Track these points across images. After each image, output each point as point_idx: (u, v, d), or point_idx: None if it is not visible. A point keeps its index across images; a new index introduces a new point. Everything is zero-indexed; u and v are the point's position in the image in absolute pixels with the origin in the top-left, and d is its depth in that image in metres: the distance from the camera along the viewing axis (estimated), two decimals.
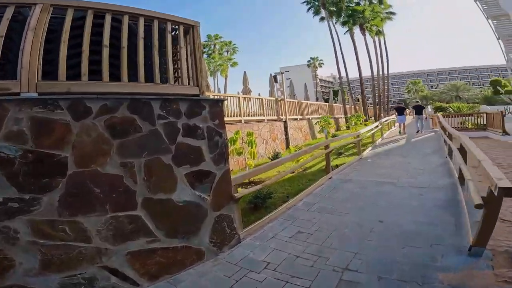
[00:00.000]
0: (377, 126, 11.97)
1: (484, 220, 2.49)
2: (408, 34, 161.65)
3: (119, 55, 2.59)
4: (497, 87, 38.29)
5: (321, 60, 59.26)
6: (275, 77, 14.33)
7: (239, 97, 10.63)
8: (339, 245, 3.06)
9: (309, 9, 26.40)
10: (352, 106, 24.37)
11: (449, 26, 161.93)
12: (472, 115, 16.87)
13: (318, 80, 75.94)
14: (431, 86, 70.65)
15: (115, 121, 2.30)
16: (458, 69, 72.82)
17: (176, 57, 3.29)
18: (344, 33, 25.20)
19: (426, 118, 14.34)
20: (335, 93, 31.92)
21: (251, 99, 11.36)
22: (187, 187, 2.80)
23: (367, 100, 31.62)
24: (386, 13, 24.41)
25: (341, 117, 19.67)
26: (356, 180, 5.71)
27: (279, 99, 12.99)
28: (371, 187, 5.08)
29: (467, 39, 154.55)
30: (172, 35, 3.19)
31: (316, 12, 26.10)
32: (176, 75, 3.27)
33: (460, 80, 62.14)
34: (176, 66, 3.35)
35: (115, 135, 2.30)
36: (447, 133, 8.00)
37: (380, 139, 12.39)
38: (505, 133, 11.58)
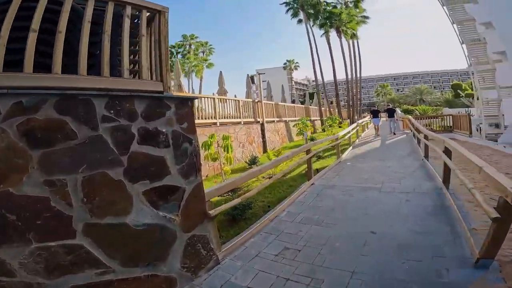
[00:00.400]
0: (354, 128, 12.00)
1: (495, 231, 2.21)
2: (379, 38, 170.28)
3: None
4: (458, 90, 41.36)
5: (296, 63, 60.28)
6: (252, 78, 13.91)
7: (214, 98, 10.05)
8: (332, 263, 2.70)
9: (288, 10, 26.53)
10: (327, 109, 24.72)
11: (420, 31, 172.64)
12: (438, 117, 17.75)
13: (293, 83, 77.08)
14: (397, 90, 74.78)
15: (35, 125, 1.68)
16: (421, 73, 77.91)
17: (135, 48, 2.71)
18: (321, 36, 25.66)
19: (397, 119, 15.41)
20: (311, 96, 32.37)
21: (227, 100, 10.81)
22: (147, 208, 2.24)
23: (341, 102, 32.45)
24: (361, 16, 25.21)
25: (317, 120, 19.77)
26: (340, 186, 5.40)
27: (256, 100, 12.57)
28: (357, 194, 4.79)
29: (435, 44, 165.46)
30: (133, 21, 2.62)
31: (295, 14, 26.28)
32: (134, 68, 2.68)
33: (423, 84, 66.48)
34: (135, 58, 2.76)
35: (35, 144, 1.68)
36: (422, 135, 8.08)
37: (357, 140, 12.46)
38: (471, 134, 12.22)
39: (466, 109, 35.04)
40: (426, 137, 7.28)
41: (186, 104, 2.54)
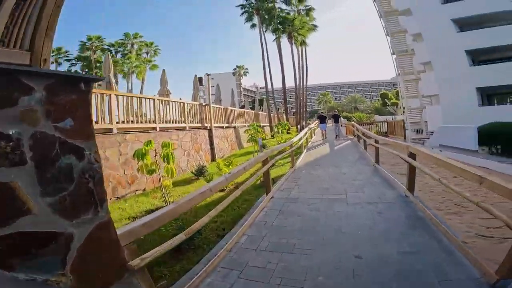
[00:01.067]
0: (305, 134, 11.82)
1: None
2: (322, 48, 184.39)
3: None
4: (385, 99, 46.69)
5: (246, 69, 60.47)
6: (200, 79, 12.72)
7: (154, 99, 8.62)
8: None
9: (243, 13, 26.07)
10: (275, 115, 24.81)
11: (356, 43, 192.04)
12: (373, 124, 19.24)
13: (241, 89, 77.29)
14: (335, 98, 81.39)
15: None
16: (355, 83, 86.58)
17: None
18: (273, 40, 25.87)
19: (341, 125, 16.80)
20: (260, 102, 32.41)
21: (170, 102, 9.44)
22: None
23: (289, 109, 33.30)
24: (311, 24, 26.23)
25: (266, 126, 19.45)
26: (303, 198, 4.73)
27: (204, 104, 11.44)
28: (323, 207, 4.14)
29: (370, 56, 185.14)
30: None
31: (249, 18, 25.97)
32: None
33: (357, 93, 73.81)
34: None
35: None
36: (372, 140, 8.13)
37: (308, 145, 12.33)
38: (405, 139, 13.28)
39: (393, 116, 39.83)
40: (376, 141, 7.25)
41: (73, 86, 1.43)
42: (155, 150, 5.51)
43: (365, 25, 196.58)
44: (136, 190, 6.85)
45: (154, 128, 8.12)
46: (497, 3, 15.32)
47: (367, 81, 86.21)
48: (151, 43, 37.53)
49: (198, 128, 10.65)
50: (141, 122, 7.90)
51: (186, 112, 10.06)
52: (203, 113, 11.24)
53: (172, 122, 9.14)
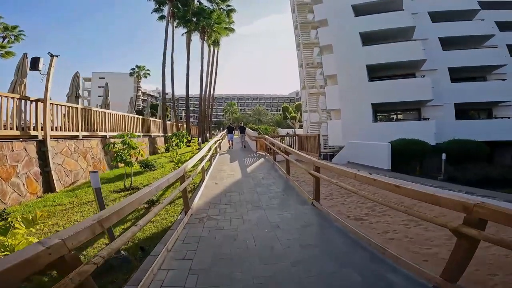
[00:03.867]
0: (209, 150, 8.65)
1: None
2: (231, 60, 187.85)
3: None
4: (286, 112, 49.55)
5: (147, 70, 50.71)
6: (34, 60, 7.53)
7: None
8: None
9: None
10: (174, 123, 20.66)
11: (265, 57, 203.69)
12: (277, 137, 17.87)
13: (140, 93, 66.91)
14: (241, 110, 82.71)
15: None
16: (259, 96, 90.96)
17: None
18: (182, 34, 21.64)
19: (246, 135, 18.36)
20: (154, 107, 27.25)
21: None
22: None
23: (190, 118, 29.54)
24: (230, 27, 23.51)
25: (159, 136, 15.16)
26: None
27: (32, 98, 6.59)
28: None
29: (277, 71, 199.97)
30: None
31: (159, 8, 20.89)
32: None
33: (260, 105, 77.14)
34: None
35: None
36: (304, 165, 5.77)
37: (213, 163, 9.19)
38: (322, 157, 11.98)
39: (293, 130, 42.19)
40: (317, 169, 4.83)
41: None
42: None
43: (274, 43, 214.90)
44: None
45: None
46: (395, 20, 16.91)
47: (269, 94, 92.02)
48: (14, 27, 27.56)
49: (12, 138, 5.82)
50: None
51: None
52: (30, 114, 6.42)
53: None
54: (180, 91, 24.47)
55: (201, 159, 6.71)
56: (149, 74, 51.04)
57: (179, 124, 21.85)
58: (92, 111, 9.01)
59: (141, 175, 8.20)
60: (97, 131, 9.14)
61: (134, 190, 6.37)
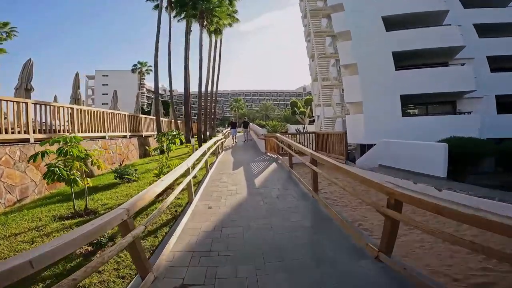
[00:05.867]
0: (205, 153, 6.51)
1: None
2: (237, 56, 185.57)
3: None
4: (295, 107, 46.91)
5: (150, 66, 48.13)
6: None
7: None
8: None
9: None
10: (173, 121, 18.59)
11: (271, 52, 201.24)
12: (290, 135, 15.36)
13: (145, 90, 65.18)
14: (247, 106, 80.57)
15: None
16: (265, 91, 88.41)
17: None
18: (178, 20, 19.52)
19: (249, 130, 19.57)
20: (165, 105, 25.39)
21: None
22: None
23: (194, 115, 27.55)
24: (233, 15, 21.35)
25: (152, 135, 13.05)
26: None
27: None
28: None
29: (283, 66, 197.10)
30: None
31: None
32: None
33: (267, 101, 74.69)
34: None
35: None
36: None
37: (215, 162, 7.06)
38: (348, 160, 9.51)
39: (302, 126, 39.56)
40: (398, 203, 2.63)
41: None
42: None
43: (278, 39, 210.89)
44: None
45: None
46: (424, 3, 14.47)
47: (276, 90, 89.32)
48: (5, 24, 26.49)
49: None
50: None
51: None
52: None
53: None
54: (182, 87, 22.51)
55: (186, 174, 4.56)
56: (151, 70, 49.00)
57: (178, 122, 19.82)
58: (52, 107, 6.96)
59: (113, 189, 6.15)
60: (60, 132, 7.11)
61: (89, 217, 4.31)
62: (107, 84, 63.14)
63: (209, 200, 5.13)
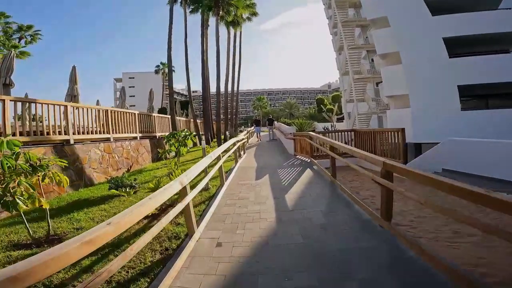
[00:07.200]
0: (219, 157, 4.98)
1: None
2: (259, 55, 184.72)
3: None
4: (321, 105, 44.27)
5: (173, 66, 48.89)
6: None
7: None
8: None
9: None
10: (191, 120, 17.48)
11: (292, 51, 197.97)
12: (319, 134, 13.13)
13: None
14: (270, 104, 78.68)
15: None
16: (289, 90, 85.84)
17: None
18: (190, 12, 18.48)
19: (275, 127, 18.97)
20: (184, 106, 24.62)
21: None
22: None
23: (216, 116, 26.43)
24: (252, 8, 20.05)
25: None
26: None
27: None
28: None
29: (305, 64, 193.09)
30: None
31: None
32: None
33: (291, 99, 72.22)
34: None
35: None
36: None
37: (234, 169, 5.53)
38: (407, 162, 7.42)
39: (330, 124, 36.93)
40: None
41: None
42: None
43: (299, 37, 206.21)
44: None
45: None
46: None
47: (299, 88, 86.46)
48: (30, 27, 26.74)
49: None
50: None
51: None
52: None
53: None
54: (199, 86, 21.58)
55: (182, 192, 3.03)
56: (174, 70, 49.00)
57: (198, 121, 18.70)
58: (37, 105, 5.81)
59: (104, 204, 4.83)
60: (50, 134, 5.98)
61: (49, 246, 2.97)
62: (133, 86, 64.88)
63: (219, 230, 3.56)
